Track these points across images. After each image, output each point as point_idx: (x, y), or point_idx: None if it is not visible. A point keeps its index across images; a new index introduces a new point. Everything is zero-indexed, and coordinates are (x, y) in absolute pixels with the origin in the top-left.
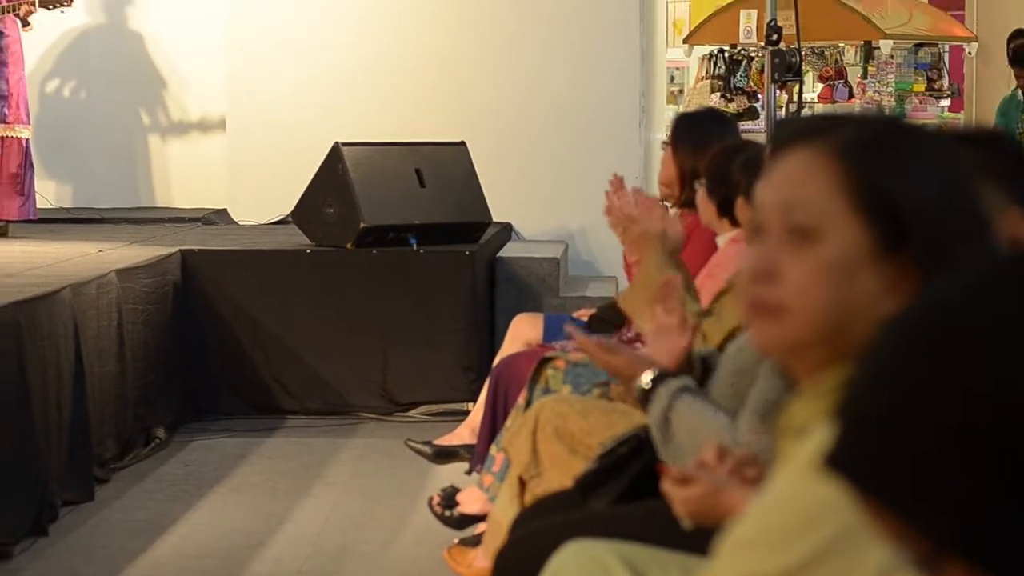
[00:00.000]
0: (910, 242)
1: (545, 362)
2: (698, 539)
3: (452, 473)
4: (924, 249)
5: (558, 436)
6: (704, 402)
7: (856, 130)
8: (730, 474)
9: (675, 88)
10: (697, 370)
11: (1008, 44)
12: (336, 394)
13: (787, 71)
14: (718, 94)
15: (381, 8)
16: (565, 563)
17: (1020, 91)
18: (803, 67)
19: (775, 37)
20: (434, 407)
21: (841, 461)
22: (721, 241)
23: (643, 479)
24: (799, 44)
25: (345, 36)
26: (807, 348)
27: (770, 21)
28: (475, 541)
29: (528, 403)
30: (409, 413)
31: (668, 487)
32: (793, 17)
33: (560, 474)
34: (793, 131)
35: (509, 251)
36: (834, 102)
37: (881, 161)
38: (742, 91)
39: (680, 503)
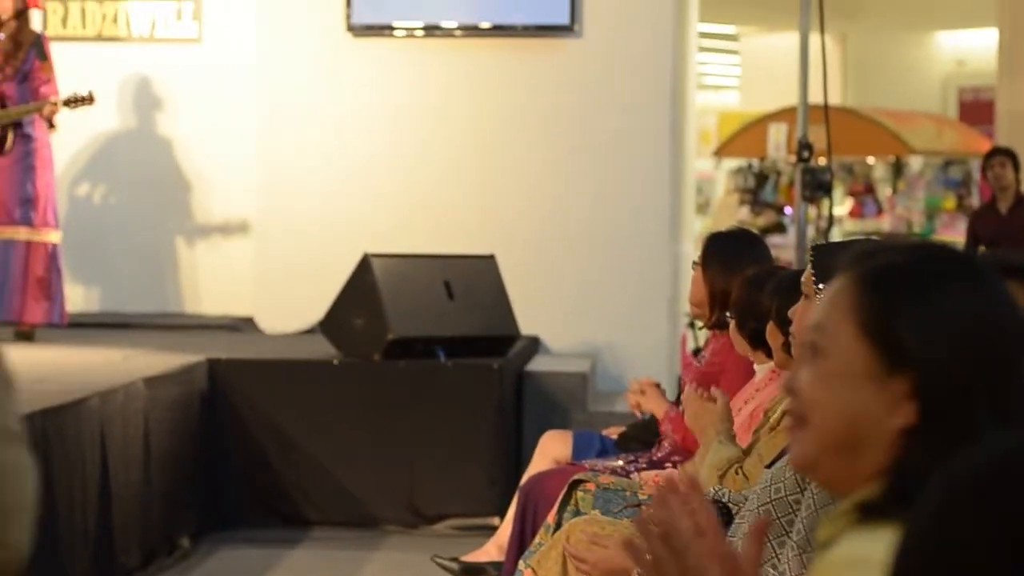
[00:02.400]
0: (910, 373)
1: (576, 484)
2: None
3: None
4: (925, 384)
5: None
6: None
7: (886, 260)
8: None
9: (702, 199)
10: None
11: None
12: (362, 506)
13: (818, 188)
14: (746, 207)
15: (412, 119)
16: None
17: None
18: (833, 182)
19: (806, 154)
20: (461, 521)
21: None
22: (759, 370)
23: None
24: (830, 161)
25: (375, 146)
26: (825, 458)
27: (801, 137)
28: None
29: (558, 524)
30: (435, 526)
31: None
32: (823, 132)
33: None
34: (841, 260)
35: (537, 365)
36: (863, 218)
37: (896, 295)
38: (770, 205)
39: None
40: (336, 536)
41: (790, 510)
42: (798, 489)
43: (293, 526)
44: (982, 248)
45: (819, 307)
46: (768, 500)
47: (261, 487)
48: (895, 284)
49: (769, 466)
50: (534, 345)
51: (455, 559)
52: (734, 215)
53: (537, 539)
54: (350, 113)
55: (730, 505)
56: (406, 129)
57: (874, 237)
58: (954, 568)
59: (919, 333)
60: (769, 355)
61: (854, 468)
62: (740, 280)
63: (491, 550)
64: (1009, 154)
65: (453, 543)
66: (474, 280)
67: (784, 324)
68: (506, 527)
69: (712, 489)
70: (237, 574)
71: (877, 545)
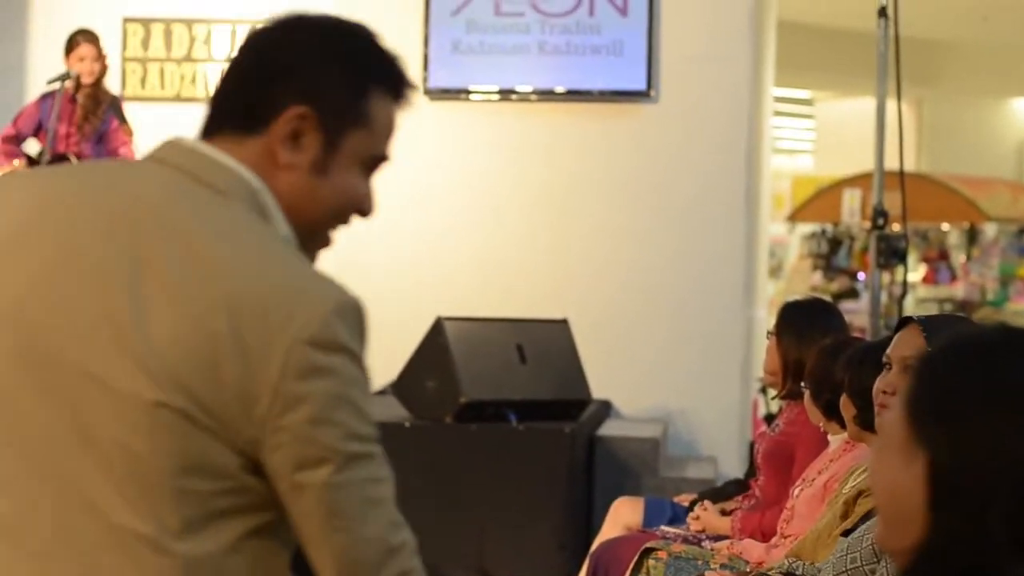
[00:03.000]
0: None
1: (647, 552)
2: None
3: None
4: (934, 470)
5: None
6: None
7: (946, 341)
8: None
9: (774, 263)
10: None
11: None
12: (433, 570)
13: (892, 255)
14: (819, 272)
15: (487, 183)
16: None
17: None
18: (908, 249)
19: (881, 220)
20: None
21: None
22: (833, 442)
23: None
24: (905, 227)
25: (450, 209)
26: (883, 530)
27: (877, 204)
28: None
29: None
30: None
31: None
32: (898, 198)
33: None
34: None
35: (608, 429)
36: (936, 284)
37: (933, 377)
38: (843, 270)
39: None
40: None
41: None
42: (875, 559)
43: None
44: None
45: None
46: (844, 569)
47: None
48: (938, 366)
49: (846, 534)
50: (606, 409)
51: None
52: (807, 280)
53: None
54: (425, 175)
55: None
56: (481, 192)
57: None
58: None
59: (935, 422)
60: (843, 426)
61: (903, 542)
62: (815, 350)
63: None
64: None
65: None
66: (547, 344)
67: (857, 396)
68: None
69: (786, 561)
70: None
71: None
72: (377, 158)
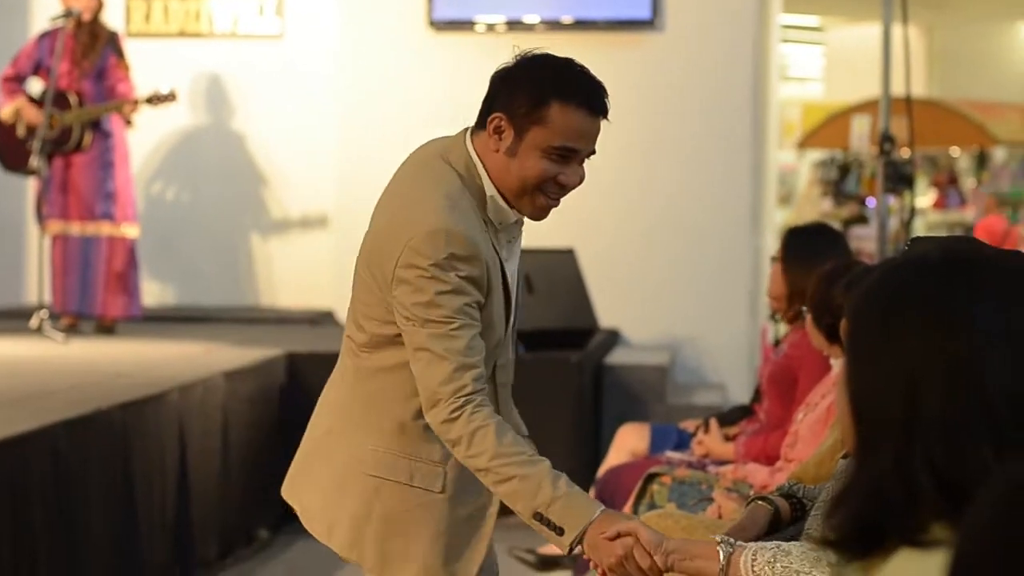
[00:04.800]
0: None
1: (651, 477)
2: None
3: None
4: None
5: None
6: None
7: (868, 281)
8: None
9: (784, 191)
10: (786, 511)
11: None
12: None
13: (900, 180)
14: (829, 199)
15: None
16: None
17: None
18: (915, 174)
19: (888, 146)
20: None
21: None
22: (836, 366)
23: None
24: (913, 153)
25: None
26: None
27: (883, 130)
28: None
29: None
30: (512, 518)
31: None
32: (906, 124)
33: None
34: None
35: (616, 357)
36: (946, 209)
37: (857, 323)
38: (853, 197)
39: None
40: None
41: None
42: None
43: None
44: None
45: None
46: None
47: None
48: (859, 312)
49: (846, 457)
50: (613, 338)
51: (531, 551)
52: (817, 207)
53: None
54: (430, 108)
55: (804, 500)
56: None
57: (961, 234)
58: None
59: (846, 351)
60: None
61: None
62: (817, 275)
63: None
64: None
65: (530, 535)
66: (554, 274)
67: None
68: None
69: (787, 484)
70: (314, 566)
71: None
72: (558, 148)
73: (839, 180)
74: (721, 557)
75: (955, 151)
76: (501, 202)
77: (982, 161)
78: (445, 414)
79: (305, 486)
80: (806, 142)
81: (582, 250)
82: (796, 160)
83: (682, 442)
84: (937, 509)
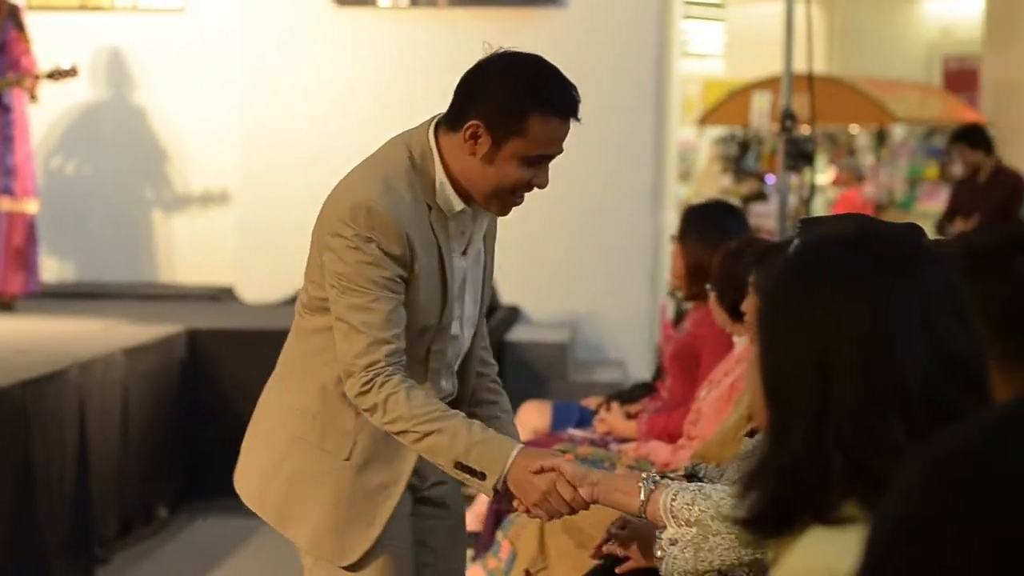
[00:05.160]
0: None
1: None
2: None
3: None
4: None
5: (566, 530)
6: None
7: (779, 263)
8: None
9: (684, 168)
10: None
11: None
12: None
13: (800, 158)
14: (729, 175)
15: (395, 90)
16: None
17: None
18: (816, 151)
19: (789, 123)
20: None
21: None
22: (739, 343)
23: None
24: (813, 130)
25: (358, 116)
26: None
27: (785, 107)
28: None
29: None
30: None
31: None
32: (807, 101)
33: (568, 568)
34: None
35: (517, 334)
36: (845, 185)
37: (769, 301)
38: (752, 173)
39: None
40: None
41: None
42: None
43: None
44: (960, 220)
45: None
46: None
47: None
48: (770, 291)
49: (751, 435)
50: (514, 315)
51: None
52: (717, 183)
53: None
54: (333, 83)
55: (704, 480)
56: (389, 99)
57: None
58: (930, 552)
59: (768, 342)
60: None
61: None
62: (720, 252)
63: (468, 520)
64: (965, 137)
65: None
66: None
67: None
68: (484, 497)
69: (690, 465)
70: (215, 544)
71: (833, 550)
72: (536, 157)
73: (739, 157)
74: (642, 494)
75: (854, 128)
76: (450, 191)
77: (881, 139)
78: (358, 387)
79: (246, 439)
80: (707, 119)
81: None
82: (696, 137)
83: (584, 419)
84: (849, 488)
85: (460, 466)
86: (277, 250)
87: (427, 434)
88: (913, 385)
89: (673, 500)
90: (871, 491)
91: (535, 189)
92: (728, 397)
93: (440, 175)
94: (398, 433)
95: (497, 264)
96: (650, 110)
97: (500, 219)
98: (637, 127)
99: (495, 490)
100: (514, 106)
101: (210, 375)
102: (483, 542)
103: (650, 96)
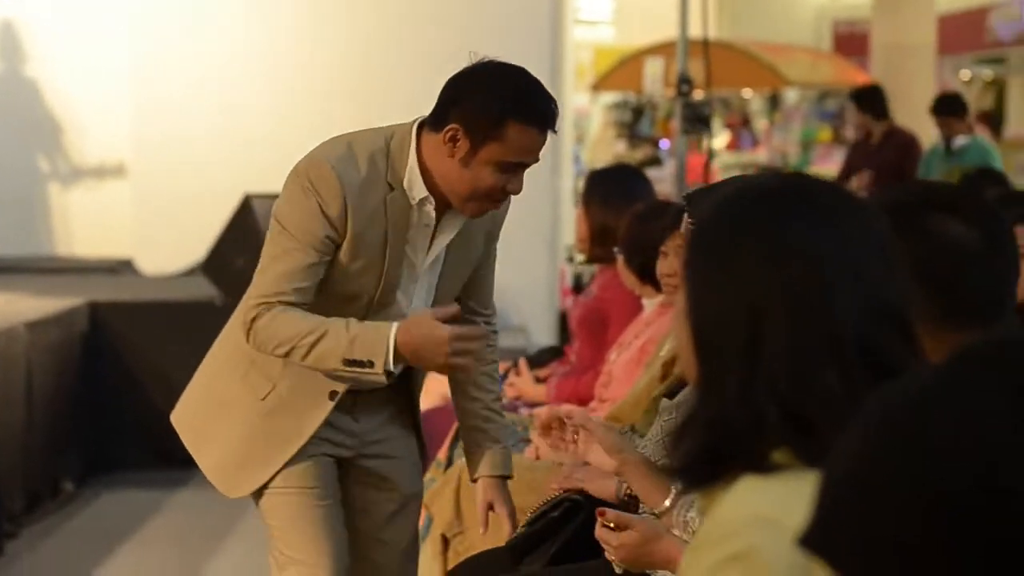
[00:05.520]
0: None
1: None
2: None
3: None
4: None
5: None
6: None
7: (705, 212)
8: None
9: (578, 134)
10: None
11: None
12: None
13: (697, 122)
14: (623, 141)
15: (287, 57)
16: None
17: (943, 141)
18: (713, 115)
19: (686, 87)
20: None
21: (820, 542)
22: (648, 306)
23: (575, 541)
24: (710, 95)
25: (252, 84)
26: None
27: (681, 71)
28: None
29: (449, 462)
30: None
31: (604, 533)
32: (700, 66)
33: (485, 533)
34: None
35: None
36: (739, 150)
37: (695, 249)
38: (646, 139)
39: (615, 548)
40: None
41: None
42: None
43: (177, 467)
44: (856, 179)
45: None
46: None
47: (145, 429)
48: (698, 241)
49: (670, 396)
50: None
51: None
52: (611, 149)
53: (428, 475)
54: (226, 51)
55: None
56: (282, 66)
57: (749, 173)
58: (881, 500)
59: (696, 292)
60: (658, 289)
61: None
62: (628, 215)
63: None
64: (857, 99)
65: None
66: None
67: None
68: None
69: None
70: (122, 516)
71: (765, 497)
72: (511, 163)
73: (633, 123)
74: (668, 500)
75: (747, 93)
76: (417, 179)
77: (774, 103)
78: (248, 322)
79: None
80: (599, 85)
81: None
82: (589, 103)
83: None
84: (781, 437)
85: (349, 363)
86: (175, 221)
87: (312, 345)
88: (846, 334)
89: (688, 512)
90: (803, 439)
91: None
92: (638, 360)
93: (412, 162)
94: (288, 354)
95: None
96: (547, 77)
97: None
98: None
99: (388, 372)
100: (494, 111)
101: (113, 347)
102: None
103: (546, 63)
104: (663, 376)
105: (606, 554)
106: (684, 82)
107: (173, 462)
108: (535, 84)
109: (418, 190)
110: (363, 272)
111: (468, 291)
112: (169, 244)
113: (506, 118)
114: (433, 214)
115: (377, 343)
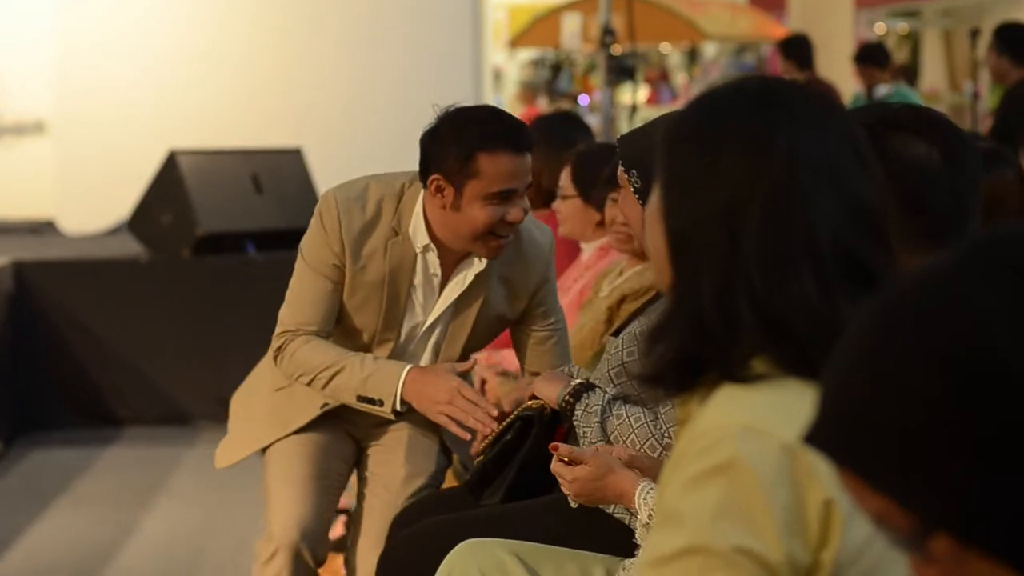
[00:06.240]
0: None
1: None
2: (590, 535)
3: None
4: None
5: None
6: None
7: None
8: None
9: (497, 91)
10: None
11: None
12: (174, 403)
13: (622, 74)
14: (543, 98)
15: (207, 11)
16: (461, 561)
17: (865, 90)
18: (637, 67)
19: (609, 39)
20: None
21: (824, 438)
22: (586, 250)
23: (533, 467)
24: (633, 47)
25: (173, 39)
26: (659, 281)
27: (604, 24)
28: (339, 545)
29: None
30: None
31: (558, 467)
32: (620, 20)
33: None
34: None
35: None
36: (659, 104)
37: (669, 154)
38: (566, 95)
39: (569, 482)
40: (150, 434)
41: None
42: None
43: (106, 426)
44: None
45: None
46: (620, 363)
47: (72, 388)
48: (673, 142)
49: (616, 334)
50: None
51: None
52: (530, 104)
53: None
54: (147, 6)
55: (591, 381)
56: (203, 21)
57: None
58: (883, 391)
59: (672, 194)
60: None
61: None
62: (574, 154)
63: None
64: (784, 46)
65: None
66: (281, 173)
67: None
68: None
69: (566, 368)
70: (50, 476)
71: (747, 407)
72: (497, 193)
73: (551, 79)
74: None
75: (666, 47)
76: (421, 227)
77: (693, 57)
78: (274, 349)
79: None
80: (517, 42)
81: (309, 149)
82: (506, 61)
83: None
84: (758, 343)
85: (362, 399)
86: (97, 179)
87: (329, 379)
88: (823, 238)
89: (649, 493)
90: (782, 346)
91: (520, 223)
92: (578, 303)
93: (418, 210)
94: (309, 384)
95: (318, 184)
96: (467, 34)
97: (323, 138)
98: (456, 51)
99: (395, 412)
100: (463, 150)
101: (39, 307)
102: None
103: (467, 21)
104: (608, 320)
105: (561, 487)
106: (608, 33)
107: (101, 420)
108: (496, 112)
109: (421, 238)
110: (362, 307)
111: (527, 318)
112: (91, 203)
113: (474, 152)
114: (438, 262)
115: (387, 385)
